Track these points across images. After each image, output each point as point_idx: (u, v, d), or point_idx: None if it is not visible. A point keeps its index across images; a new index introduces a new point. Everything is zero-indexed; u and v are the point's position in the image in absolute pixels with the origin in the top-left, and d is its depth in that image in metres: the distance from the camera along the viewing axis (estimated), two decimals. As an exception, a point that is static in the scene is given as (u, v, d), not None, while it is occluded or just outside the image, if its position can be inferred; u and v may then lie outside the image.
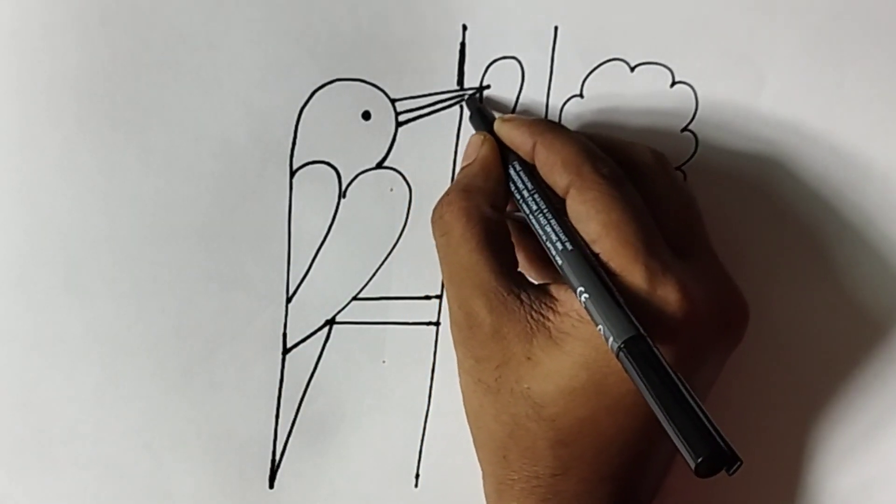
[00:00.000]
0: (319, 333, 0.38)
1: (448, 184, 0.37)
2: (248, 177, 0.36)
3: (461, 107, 0.37)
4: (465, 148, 0.36)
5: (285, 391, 0.38)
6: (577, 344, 0.31)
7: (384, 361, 0.39)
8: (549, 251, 0.32)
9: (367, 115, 0.37)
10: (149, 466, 0.37)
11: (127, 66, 0.35)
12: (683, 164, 0.38)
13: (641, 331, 0.28)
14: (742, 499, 0.39)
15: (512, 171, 0.34)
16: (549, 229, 0.32)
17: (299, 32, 0.35)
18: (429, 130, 0.37)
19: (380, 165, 0.37)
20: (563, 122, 0.38)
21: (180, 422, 0.37)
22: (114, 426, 0.37)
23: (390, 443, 0.39)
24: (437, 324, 0.39)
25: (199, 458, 0.38)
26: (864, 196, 0.39)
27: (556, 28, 0.37)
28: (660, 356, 0.28)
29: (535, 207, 0.33)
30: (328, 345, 0.38)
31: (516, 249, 0.34)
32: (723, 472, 0.26)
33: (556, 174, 0.33)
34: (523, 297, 0.32)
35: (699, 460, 0.25)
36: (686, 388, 0.27)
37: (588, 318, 0.30)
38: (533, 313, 0.32)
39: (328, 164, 0.37)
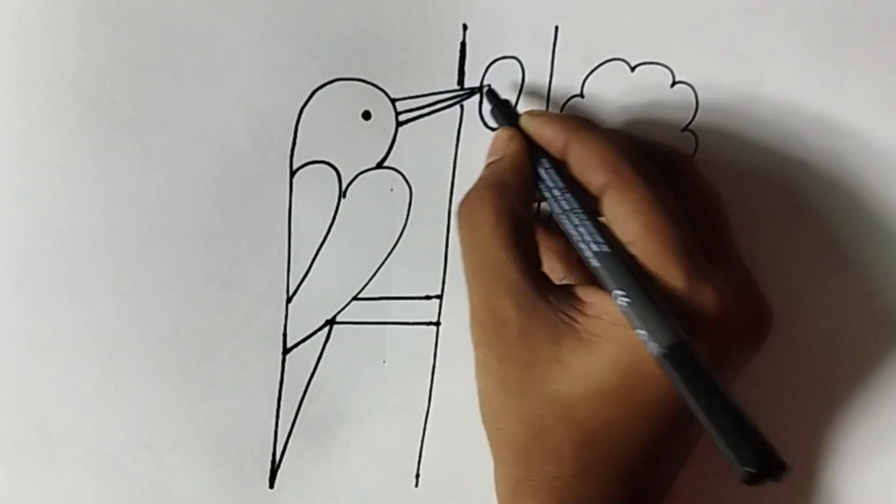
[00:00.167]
0: (319, 333, 0.38)
1: (449, 184, 0.37)
2: (248, 177, 0.36)
3: (461, 106, 0.37)
4: (491, 143, 0.36)
5: (285, 391, 0.38)
6: (610, 346, 0.30)
7: (384, 361, 0.39)
8: (582, 252, 0.31)
9: (367, 115, 0.37)
10: (149, 466, 0.37)
11: (127, 66, 0.35)
12: (684, 163, 0.38)
13: (685, 337, 0.28)
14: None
15: (541, 169, 0.34)
16: (582, 230, 0.32)
17: (299, 32, 0.35)
18: (429, 130, 0.37)
19: (380, 165, 0.37)
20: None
21: (180, 422, 0.37)
22: (114, 426, 0.37)
23: (390, 443, 0.39)
24: (438, 324, 0.39)
25: (199, 458, 0.38)
26: (865, 196, 0.39)
27: (556, 28, 0.37)
28: (704, 364, 0.27)
29: (566, 207, 0.32)
30: (328, 345, 0.38)
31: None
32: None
33: (592, 172, 0.32)
34: (551, 298, 0.32)
35: (749, 469, 0.25)
36: (731, 396, 0.27)
37: (622, 321, 0.30)
38: (560, 315, 0.31)
39: (328, 163, 0.37)
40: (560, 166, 0.33)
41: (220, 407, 0.37)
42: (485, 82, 0.37)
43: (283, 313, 0.37)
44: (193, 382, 0.37)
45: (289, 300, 0.37)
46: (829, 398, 0.40)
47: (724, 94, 0.38)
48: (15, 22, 0.34)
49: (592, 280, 0.32)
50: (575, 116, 0.36)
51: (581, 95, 0.37)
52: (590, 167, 0.32)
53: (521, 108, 0.37)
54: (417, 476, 0.39)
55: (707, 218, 0.34)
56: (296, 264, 0.37)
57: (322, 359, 0.38)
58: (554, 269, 0.36)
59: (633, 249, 0.31)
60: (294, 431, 0.38)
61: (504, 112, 0.36)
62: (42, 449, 0.37)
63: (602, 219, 0.32)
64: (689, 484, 0.34)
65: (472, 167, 0.37)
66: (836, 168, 0.39)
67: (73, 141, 0.35)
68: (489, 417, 0.34)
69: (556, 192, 0.33)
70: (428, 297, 0.38)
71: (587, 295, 0.32)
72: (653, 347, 0.28)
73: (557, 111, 0.37)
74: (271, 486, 0.38)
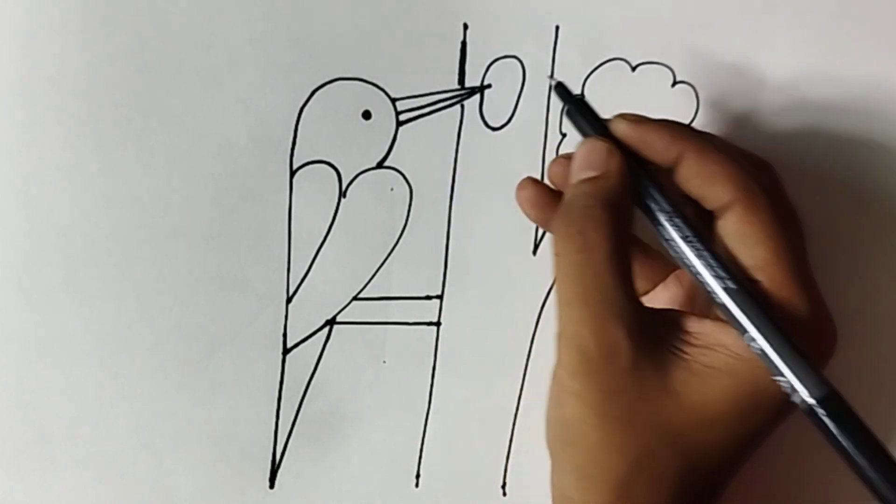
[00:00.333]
0: (320, 334, 0.38)
1: (449, 184, 0.37)
2: (248, 177, 0.36)
3: (462, 106, 0.37)
4: (581, 152, 0.32)
5: (285, 391, 0.38)
6: (727, 379, 0.29)
7: (384, 361, 0.38)
8: (705, 285, 0.30)
9: (367, 115, 0.37)
10: (149, 466, 0.37)
11: (127, 66, 0.35)
12: (684, 163, 0.38)
13: (834, 387, 0.28)
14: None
15: (648, 188, 0.31)
16: (703, 263, 0.30)
17: (299, 32, 0.35)
18: (429, 130, 0.37)
19: (380, 165, 0.37)
20: (564, 122, 0.37)
21: (180, 422, 0.37)
22: (114, 426, 0.37)
23: (390, 443, 0.39)
24: (438, 324, 0.38)
25: (199, 458, 0.38)
26: (865, 196, 0.39)
27: (557, 27, 0.37)
28: (858, 414, 0.27)
29: (682, 234, 0.30)
30: (328, 345, 0.38)
31: None
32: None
33: (717, 188, 0.30)
34: (658, 329, 0.30)
35: None
36: (884, 447, 0.27)
37: (741, 353, 0.29)
38: (668, 345, 0.30)
39: (328, 163, 0.37)
40: (664, 182, 0.31)
41: (220, 407, 0.37)
42: (485, 82, 0.37)
43: (284, 313, 0.37)
44: (193, 382, 0.37)
45: (289, 300, 0.37)
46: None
47: (724, 94, 0.38)
48: (16, 22, 0.34)
49: (684, 301, 0.31)
50: (678, 123, 0.32)
51: (582, 95, 0.37)
52: (713, 182, 0.30)
53: (522, 107, 0.37)
54: (417, 476, 0.39)
55: (798, 234, 0.32)
56: (296, 264, 0.37)
57: (322, 359, 0.38)
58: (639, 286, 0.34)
59: (759, 275, 0.30)
60: (294, 432, 0.38)
61: (585, 114, 0.33)
62: (42, 449, 0.37)
63: (716, 238, 0.31)
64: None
65: (473, 167, 0.37)
66: (837, 168, 0.38)
67: (73, 141, 0.35)
68: (579, 451, 0.31)
69: (664, 217, 0.30)
70: (428, 298, 0.38)
71: (693, 325, 0.30)
72: (799, 398, 0.28)
73: (558, 111, 0.37)
74: (271, 487, 0.38)
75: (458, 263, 0.38)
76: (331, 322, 0.38)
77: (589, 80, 0.37)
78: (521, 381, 0.39)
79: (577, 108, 0.33)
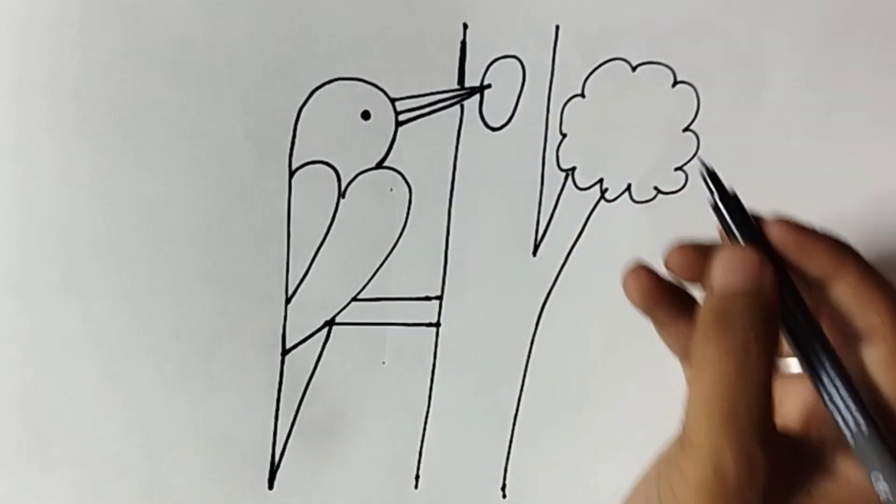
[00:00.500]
0: (319, 334, 0.38)
1: (448, 184, 0.37)
2: (248, 177, 0.36)
3: (461, 106, 0.37)
4: (730, 259, 0.29)
5: (285, 392, 0.38)
6: None
7: (384, 362, 0.38)
8: (839, 422, 0.28)
9: (366, 115, 0.36)
10: (148, 467, 0.37)
11: (126, 66, 0.35)
12: (685, 164, 0.38)
13: None
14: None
15: (791, 306, 0.28)
16: (839, 400, 0.28)
17: (298, 32, 0.35)
18: (429, 130, 0.37)
19: (379, 165, 0.37)
20: (564, 122, 0.37)
21: (180, 422, 0.37)
22: (113, 426, 0.37)
23: (390, 444, 0.39)
24: (438, 325, 0.38)
25: (198, 459, 0.38)
26: (865, 196, 0.39)
27: (557, 27, 0.37)
28: None
29: (822, 362, 0.28)
30: (328, 346, 0.38)
31: None
32: None
33: (871, 310, 0.28)
34: (786, 456, 0.29)
35: None
36: None
37: (869, 496, 0.28)
38: (795, 472, 0.29)
39: (327, 163, 0.37)
40: (800, 297, 0.29)
41: (219, 408, 0.37)
42: (485, 82, 0.37)
43: (283, 314, 0.37)
44: (193, 383, 0.37)
45: (288, 301, 0.37)
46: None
47: (725, 94, 0.37)
48: (15, 22, 0.34)
49: (800, 417, 0.31)
50: (835, 233, 0.30)
51: (582, 95, 0.37)
52: (874, 305, 0.28)
53: (522, 107, 0.37)
54: (417, 477, 0.39)
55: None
56: (295, 265, 0.37)
57: (321, 360, 0.38)
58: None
59: None
60: (293, 432, 0.38)
61: (735, 214, 0.29)
62: (42, 449, 0.37)
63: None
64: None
65: (472, 167, 0.37)
66: (837, 168, 0.38)
67: (72, 141, 0.35)
68: None
69: (805, 343, 0.28)
70: (428, 298, 0.38)
71: (819, 458, 0.29)
72: None
73: (558, 111, 0.37)
74: (270, 488, 0.38)
75: (457, 264, 0.38)
76: (330, 323, 0.38)
77: (589, 80, 0.37)
78: (521, 381, 0.39)
79: (729, 206, 0.29)
